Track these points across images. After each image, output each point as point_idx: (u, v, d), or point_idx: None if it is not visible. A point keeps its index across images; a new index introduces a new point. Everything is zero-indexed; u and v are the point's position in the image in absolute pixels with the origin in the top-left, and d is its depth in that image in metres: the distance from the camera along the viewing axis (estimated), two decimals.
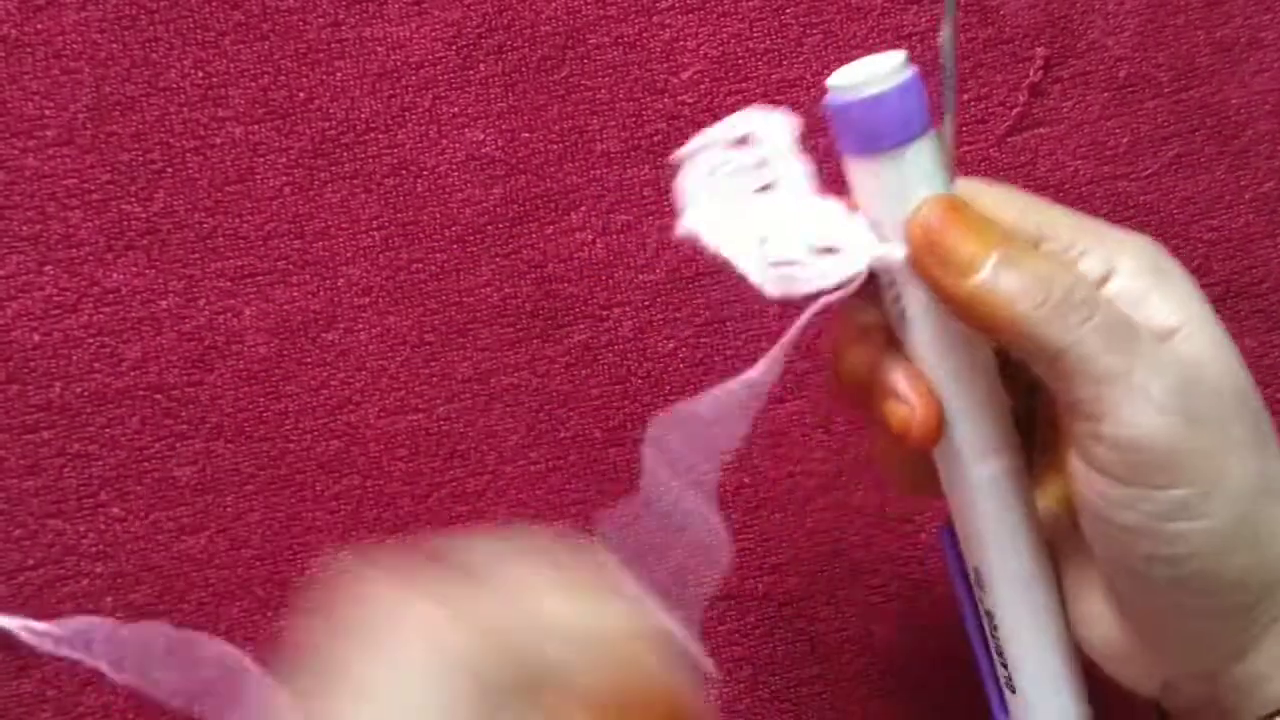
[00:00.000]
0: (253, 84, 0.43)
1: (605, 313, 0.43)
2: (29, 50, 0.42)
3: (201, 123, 0.42)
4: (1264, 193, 0.45)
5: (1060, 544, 0.31)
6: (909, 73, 0.28)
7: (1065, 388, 0.27)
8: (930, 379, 0.29)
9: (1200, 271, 0.45)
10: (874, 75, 0.27)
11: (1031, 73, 0.44)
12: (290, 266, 0.43)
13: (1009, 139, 0.44)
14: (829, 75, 0.28)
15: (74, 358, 0.42)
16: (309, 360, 0.42)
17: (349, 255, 0.43)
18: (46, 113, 0.42)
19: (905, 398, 0.29)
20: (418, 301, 0.43)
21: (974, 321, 0.28)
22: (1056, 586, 0.31)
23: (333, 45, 0.43)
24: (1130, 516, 0.27)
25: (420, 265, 0.43)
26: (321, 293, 0.43)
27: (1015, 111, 0.44)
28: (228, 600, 0.42)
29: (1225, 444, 0.27)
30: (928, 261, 0.28)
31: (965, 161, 0.44)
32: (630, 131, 0.43)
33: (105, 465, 0.42)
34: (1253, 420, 0.28)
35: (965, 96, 0.44)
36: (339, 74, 0.43)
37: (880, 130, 0.27)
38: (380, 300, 0.43)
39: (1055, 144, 0.44)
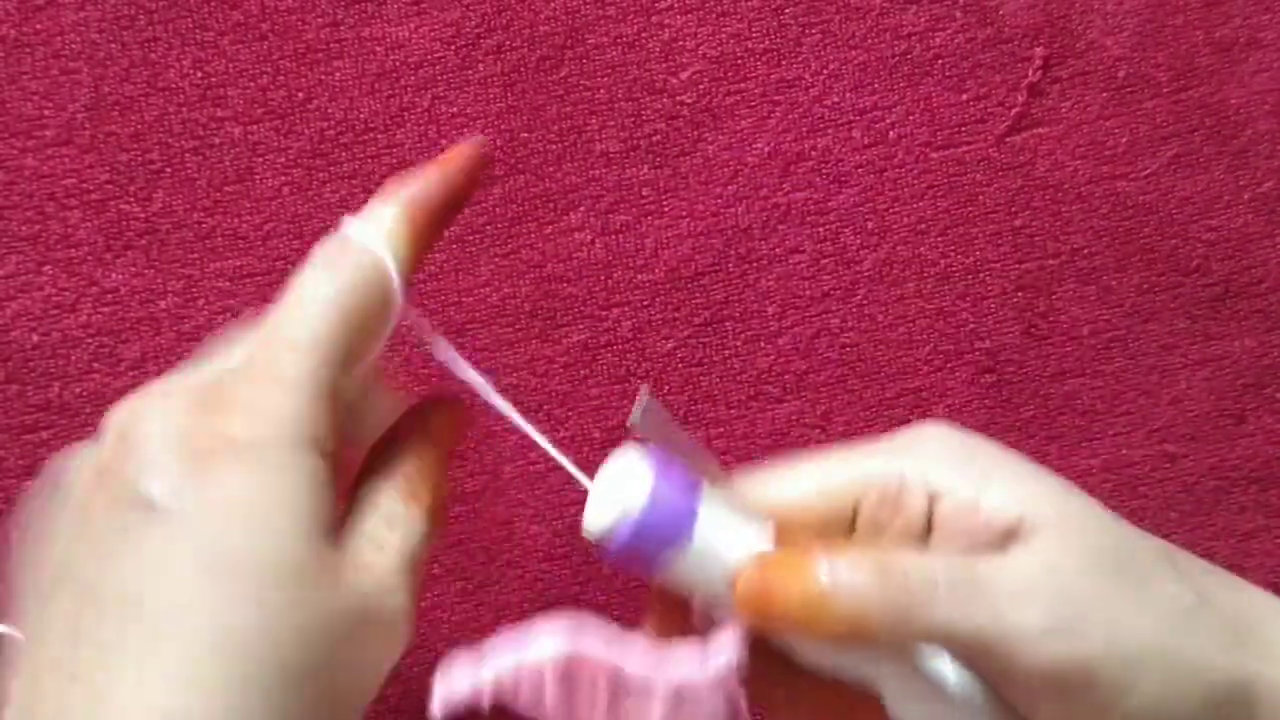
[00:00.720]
0: (251, 84, 0.43)
1: (604, 313, 0.43)
2: (28, 50, 0.42)
3: (200, 123, 0.42)
4: (1263, 192, 0.45)
5: None
6: (651, 478, 0.26)
7: (961, 656, 0.27)
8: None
9: (1200, 271, 0.45)
10: (616, 500, 0.26)
11: (1030, 73, 0.44)
12: (289, 266, 0.43)
13: (1008, 139, 0.44)
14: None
15: (73, 358, 0.42)
16: None
17: None
18: (45, 113, 0.42)
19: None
20: (416, 301, 0.42)
21: (844, 642, 0.27)
22: None
23: (331, 45, 0.43)
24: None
25: (420, 265, 0.43)
26: None
27: (1014, 111, 0.44)
28: None
29: (1118, 624, 0.27)
30: (771, 628, 0.28)
31: (965, 161, 0.44)
32: (629, 131, 0.43)
33: None
34: (1135, 569, 0.28)
35: (964, 96, 0.44)
36: (338, 74, 0.43)
37: (654, 553, 0.26)
38: None
39: (1054, 144, 0.44)
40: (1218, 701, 0.27)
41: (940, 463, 0.29)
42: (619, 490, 0.26)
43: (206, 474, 0.24)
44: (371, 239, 0.29)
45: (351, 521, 0.27)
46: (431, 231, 0.30)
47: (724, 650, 0.28)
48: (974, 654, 0.27)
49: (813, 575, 0.27)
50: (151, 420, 0.26)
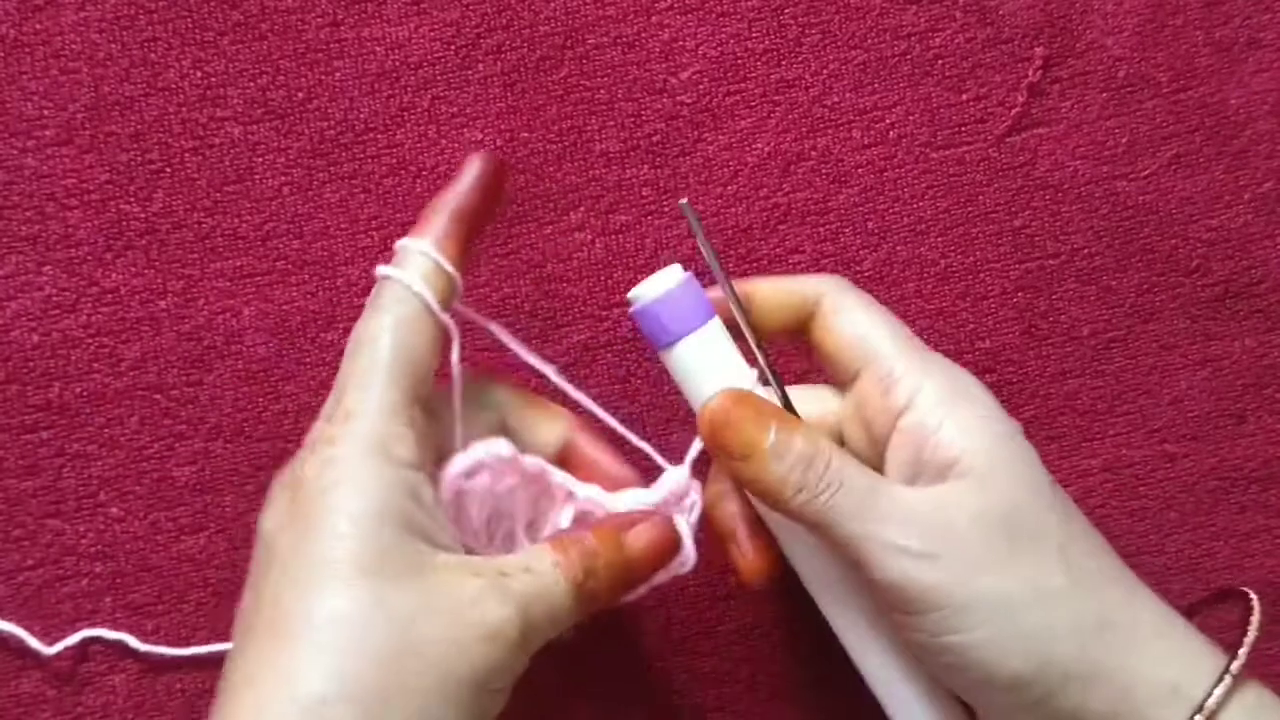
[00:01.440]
0: (251, 84, 0.43)
1: (605, 313, 0.43)
2: (28, 50, 0.42)
3: (200, 123, 0.42)
4: (1263, 192, 0.45)
5: None
6: (681, 279, 0.35)
7: (833, 546, 0.33)
8: (771, 528, 0.36)
9: (1199, 271, 0.45)
10: (657, 286, 0.35)
11: (1030, 73, 0.44)
12: (289, 266, 0.43)
13: (1008, 139, 0.44)
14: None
15: (73, 358, 0.42)
16: (308, 360, 0.42)
17: (348, 255, 0.43)
18: (45, 113, 0.42)
19: (743, 548, 0.36)
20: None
21: (757, 499, 0.34)
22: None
23: (331, 45, 0.43)
24: (912, 635, 0.32)
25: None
26: (320, 293, 0.43)
27: (1014, 111, 0.44)
28: (227, 600, 0.42)
29: (978, 567, 0.31)
30: (714, 450, 0.34)
31: (965, 161, 0.44)
32: (629, 131, 0.43)
33: (104, 465, 0.42)
34: (1025, 535, 0.31)
35: (964, 96, 0.44)
36: (338, 74, 0.43)
37: (664, 328, 0.35)
38: None
39: (1054, 144, 0.44)
40: (1053, 674, 0.31)
41: (932, 379, 0.34)
42: (665, 278, 0.35)
43: (293, 503, 0.31)
44: (409, 274, 0.33)
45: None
46: (465, 249, 0.35)
47: (671, 480, 0.36)
48: (848, 555, 0.32)
49: (764, 429, 0.33)
50: (276, 479, 0.33)
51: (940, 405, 0.33)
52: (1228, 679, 0.30)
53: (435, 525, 0.31)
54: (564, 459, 0.36)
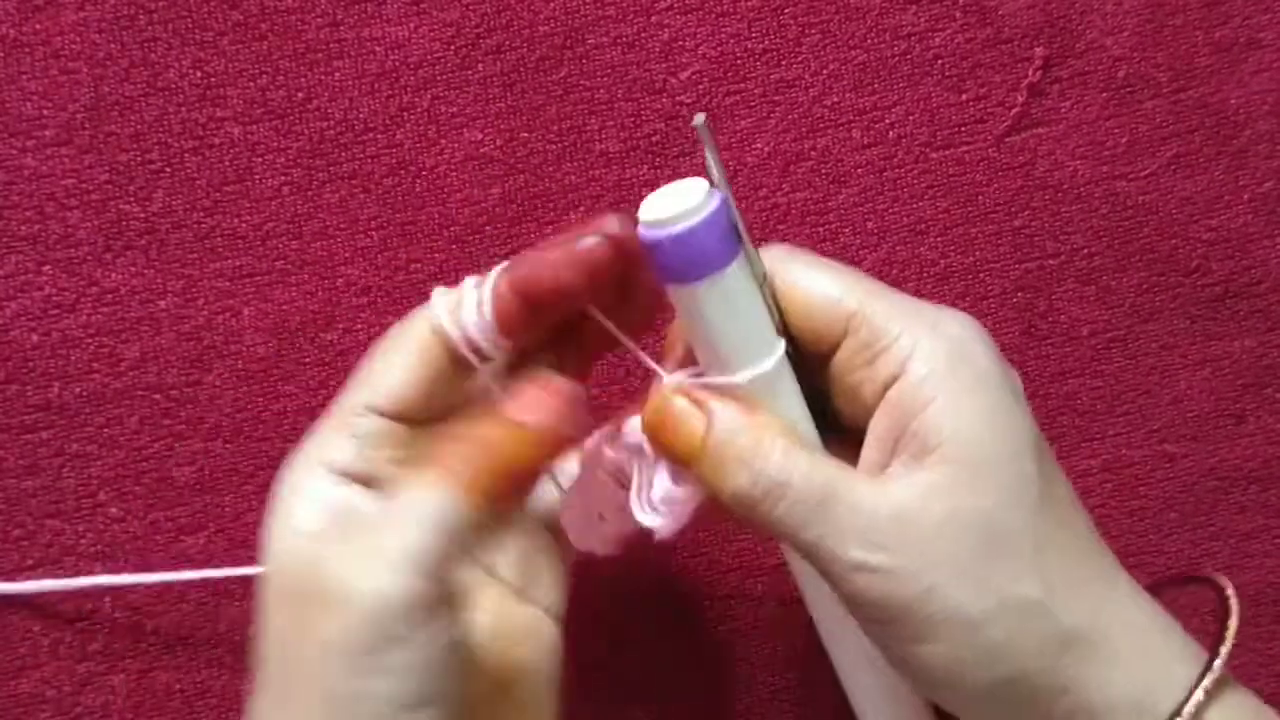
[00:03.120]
0: (251, 84, 0.43)
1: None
2: (27, 50, 0.42)
3: (200, 123, 0.42)
4: (1262, 193, 0.45)
5: None
6: (713, 205, 0.28)
7: (795, 550, 0.30)
8: None
9: (1199, 271, 0.45)
10: (680, 207, 0.28)
11: (1030, 73, 0.44)
12: (289, 266, 0.43)
13: (1008, 139, 0.44)
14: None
15: (72, 358, 0.42)
16: (308, 360, 0.42)
17: (347, 255, 0.43)
18: (45, 113, 0.42)
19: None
20: (416, 301, 0.42)
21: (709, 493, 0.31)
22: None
23: (331, 45, 0.43)
24: (876, 640, 0.30)
25: (419, 265, 0.43)
26: (320, 293, 0.43)
27: (1014, 111, 0.44)
28: (227, 600, 0.42)
29: (941, 580, 0.28)
30: (659, 446, 0.31)
31: (965, 162, 0.44)
32: (629, 131, 0.43)
33: (104, 465, 0.42)
34: (999, 539, 0.29)
35: (964, 96, 0.44)
36: (337, 74, 0.43)
37: (689, 263, 0.28)
38: (379, 300, 0.43)
39: (1054, 144, 0.44)
40: (1021, 689, 0.29)
41: (928, 345, 0.30)
42: (685, 195, 0.28)
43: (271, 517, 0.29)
44: (436, 305, 0.31)
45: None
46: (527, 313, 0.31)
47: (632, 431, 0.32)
48: (810, 560, 0.30)
49: (695, 431, 0.30)
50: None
51: (932, 376, 0.29)
52: (1199, 694, 0.29)
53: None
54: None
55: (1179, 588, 0.35)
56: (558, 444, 0.30)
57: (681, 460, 0.30)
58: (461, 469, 0.28)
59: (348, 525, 0.28)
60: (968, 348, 0.31)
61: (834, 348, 0.31)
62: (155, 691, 0.42)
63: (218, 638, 0.42)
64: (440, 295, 0.31)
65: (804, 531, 0.29)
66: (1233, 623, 0.31)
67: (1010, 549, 0.29)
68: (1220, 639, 0.30)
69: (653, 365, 0.32)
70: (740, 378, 0.30)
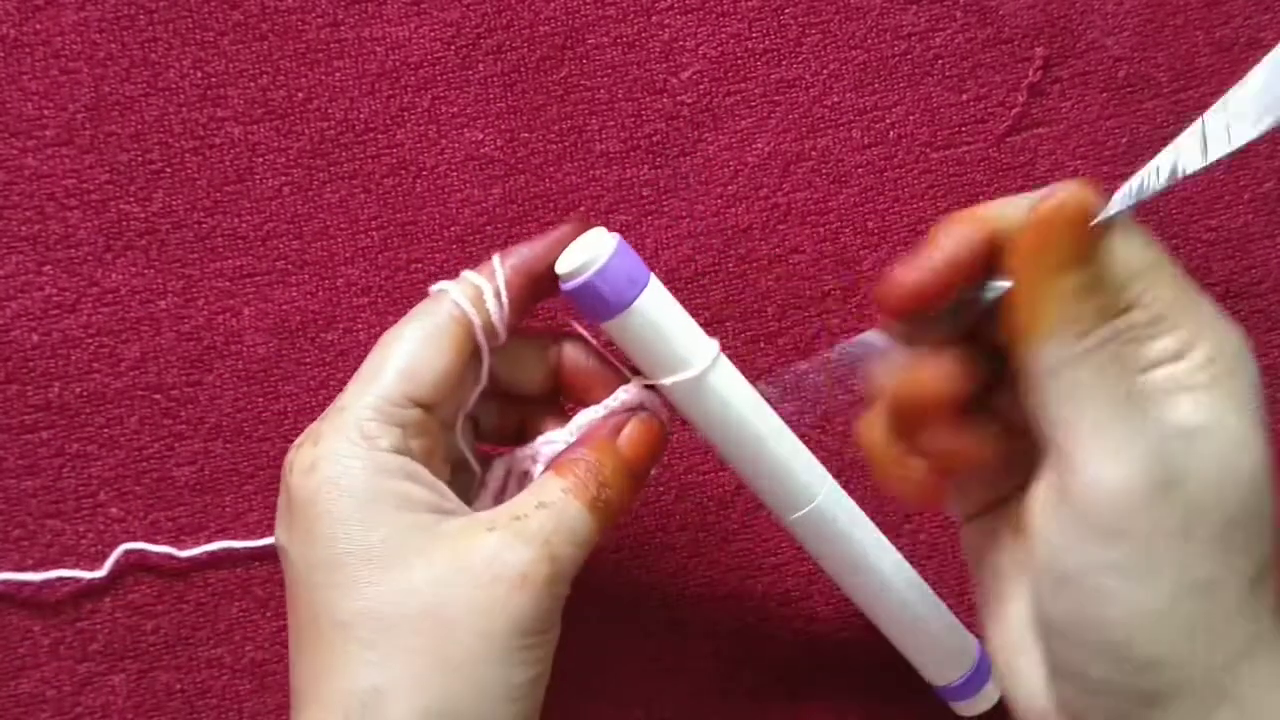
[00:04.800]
0: (251, 84, 0.43)
1: None
2: (28, 50, 0.42)
3: (200, 123, 0.42)
4: (1263, 192, 0.45)
5: (995, 565, 0.31)
6: (607, 256, 0.33)
7: (1050, 422, 0.27)
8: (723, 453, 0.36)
9: (1200, 271, 0.45)
10: (581, 260, 0.33)
11: (1031, 73, 0.44)
12: (289, 266, 0.43)
13: (1008, 139, 0.44)
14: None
15: (73, 358, 0.42)
16: (308, 360, 0.42)
17: (348, 255, 0.43)
18: (45, 113, 0.42)
19: (911, 466, 0.31)
20: (417, 301, 0.43)
21: (1021, 328, 0.28)
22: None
23: (331, 45, 0.43)
24: (1072, 561, 0.27)
25: (419, 265, 0.43)
26: (320, 293, 0.43)
27: (1014, 111, 0.44)
28: (227, 600, 0.42)
29: (1182, 542, 0.26)
30: (1033, 246, 0.28)
31: (965, 161, 0.44)
32: (629, 131, 0.43)
33: (104, 465, 0.42)
34: (1234, 543, 0.26)
35: (964, 96, 0.44)
36: (338, 74, 0.43)
37: (601, 304, 0.33)
38: (379, 300, 0.43)
39: (1054, 144, 0.44)
40: (1146, 683, 0.26)
41: (1207, 341, 0.28)
42: (593, 247, 0.33)
43: (289, 512, 0.32)
44: (455, 289, 0.34)
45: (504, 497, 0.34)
46: (525, 295, 0.34)
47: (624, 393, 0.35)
48: (1062, 446, 0.27)
49: (1089, 245, 0.28)
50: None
51: (1203, 369, 0.28)
52: None
53: (437, 495, 0.32)
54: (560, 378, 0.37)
55: None
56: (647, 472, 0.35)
57: (1054, 266, 0.28)
58: (599, 490, 0.32)
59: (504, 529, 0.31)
60: (1244, 352, 0.29)
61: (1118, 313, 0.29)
62: (155, 691, 0.42)
63: (218, 638, 0.42)
64: (454, 286, 0.33)
65: (1105, 406, 0.26)
66: None
67: (1252, 553, 0.27)
68: None
69: (623, 369, 0.35)
70: (668, 380, 0.34)
